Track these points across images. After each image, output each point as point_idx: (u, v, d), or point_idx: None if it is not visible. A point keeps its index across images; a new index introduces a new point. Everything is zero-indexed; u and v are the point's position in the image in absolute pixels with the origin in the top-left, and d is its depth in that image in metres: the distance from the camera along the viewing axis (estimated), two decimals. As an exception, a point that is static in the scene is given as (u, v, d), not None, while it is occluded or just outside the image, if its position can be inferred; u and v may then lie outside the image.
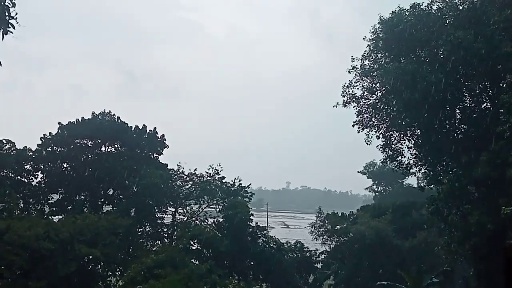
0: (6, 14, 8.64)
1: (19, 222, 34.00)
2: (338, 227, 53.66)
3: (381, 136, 36.43)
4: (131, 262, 35.95)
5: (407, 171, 37.65)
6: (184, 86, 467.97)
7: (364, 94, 36.56)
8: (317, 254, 52.81)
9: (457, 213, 33.13)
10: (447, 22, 32.76)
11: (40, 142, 50.09)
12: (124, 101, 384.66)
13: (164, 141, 53.74)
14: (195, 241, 41.36)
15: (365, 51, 35.98)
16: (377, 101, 36.05)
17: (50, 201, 50.09)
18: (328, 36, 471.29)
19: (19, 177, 48.41)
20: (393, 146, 36.76)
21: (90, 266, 36.72)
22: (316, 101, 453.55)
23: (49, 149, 50.17)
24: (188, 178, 50.38)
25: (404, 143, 36.55)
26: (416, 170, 37.79)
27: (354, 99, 36.61)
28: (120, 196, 51.14)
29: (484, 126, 31.66)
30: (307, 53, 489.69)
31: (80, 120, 51.34)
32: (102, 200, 51.54)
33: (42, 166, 49.78)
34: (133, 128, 52.58)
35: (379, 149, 37.16)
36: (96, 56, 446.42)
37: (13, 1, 8.76)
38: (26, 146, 49.08)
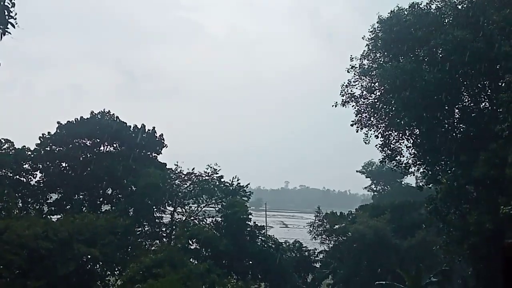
0: (6, 14, 8.63)
1: (18, 222, 33.96)
2: (336, 226, 53.73)
3: (380, 135, 36.50)
4: (129, 261, 35.92)
5: (406, 171, 37.68)
6: (184, 86, 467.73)
7: (363, 94, 36.63)
8: (316, 253, 52.85)
9: (455, 213, 33.16)
10: (446, 21, 32.81)
11: (39, 142, 50.06)
12: (124, 101, 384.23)
13: (163, 141, 53.74)
14: (193, 240, 41.35)
15: (364, 50, 36.07)
16: (376, 100, 36.09)
17: (48, 201, 50.01)
18: (328, 36, 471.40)
19: (17, 177, 48.33)
20: (392, 145, 36.83)
21: (89, 266, 36.69)
22: (316, 100, 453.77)
23: (48, 149, 50.11)
24: (186, 178, 50.36)
25: (403, 142, 36.64)
26: (414, 170, 37.86)
27: (353, 99, 36.68)
28: (119, 196, 51.11)
29: (482, 125, 31.69)
30: (307, 53, 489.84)
31: (79, 119, 51.28)
32: (101, 199, 51.50)
33: (40, 165, 49.72)
34: (131, 128, 52.55)
35: (378, 149, 37.24)
36: (96, 56, 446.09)
37: (13, 1, 8.76)
38: (24, 146, 49.05)
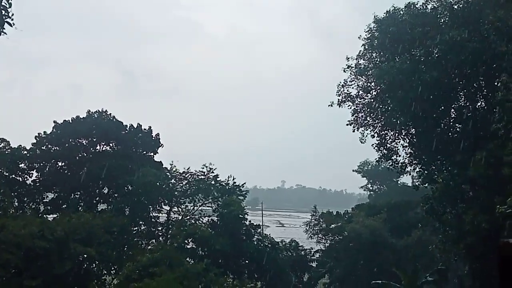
0: (3, 13, 8.62)
1: (14, 221, 33.88)
2: (333, 225, 53.78)
3: (376, 135, 36.60)
4: (126, 260, 35.95)
5: (402, 170, 37.77)
6: (184, 86, 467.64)
7: (359, 93, 36.70)
8: (312, 252, 52.81)
9: (451, 212, 33.28)
10: (442, 21, 32.89)
11: (35, 141, 49.96)
12: (124, 101, 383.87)
13: (159, 140, 53.69)
14: (190, 239, 41.33)
15: (360, 50, 36.16)
16: (372, 100, 36.16)
17: (44, 200, 49.92)
18: (328, 36, 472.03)
19: (13, 176, 48.16)
20: (388, 145, 36.90)
21: (85, 265, 36.65)
22: (315, 100, 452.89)
23: (44, 148, 49.99)
24: (182, 177, 50.31)
25: (399, 142, 36.75)
26: (411, 169, 38.00)
27: (349, 98, 36.74)
28: (115, 195, 50.99)
29: (478, 125, 31.81)
30: (307, 53, 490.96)
31: (75, 118, 51.21)
32: (97, 199, 51.41)
33: (36, 164, 49.60)
34: (128, 127, 52.49)
35: (374, 148, 37.29)
36: (96, 56, 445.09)
37: (10, 1, 8.74)
38: (20, 145, 48.95)
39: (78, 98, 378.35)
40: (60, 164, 51.09)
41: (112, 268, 38.68)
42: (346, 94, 36.69)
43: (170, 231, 46.97)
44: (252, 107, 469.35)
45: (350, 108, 36.82)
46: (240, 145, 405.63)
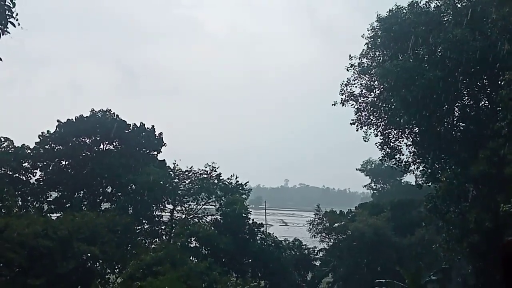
0: (7, 13, 8.64)
1: (18, 220, 33.94)
2: (336, 224, 53.79)
3: (379, 133, 36.52)
4: (129, 259, 35.94)
5: (406, 169, 37.69)
6: (184, 85, 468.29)
7: (363, 92, 36.66)
8: (316, 251, 52.87)
9: (455, 211, 33.18)
10: (445, 20, 32.82)
11: (39, 140, 50.05)
12: (124, 100, 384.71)
13: (162, 139, 53.75)
14: (193, 238, 41.35)
15: (363, 49, 36.08)
16: (375, 99, 36.12)
17: (48, 199, 50.09)
18: (328, 36, 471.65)
19: (17, 175, 48.34)
20: (391, 143, 36.83)
21: (89, 264, 36.72)
22: (316, 100, 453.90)
23: (47, 147, 50.11)
24: (185, 176, 50.35)
25: (403, 140, 36.66)
26: (414, 168, 37.84)
27: (352, 97, 36.70)
28: (118, 194, 51.08)
29: (482, 123, 31.72)
30: (307, 53, 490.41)
31: (78, 117, 51.30)
32: (101, 197, 51.56)
33: (40, 163, 49.72)
34: (131, 126, 52.56)
35: (377, 147, 37.24)
36: (96, 55, 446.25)
37: (14, 1, 8.76)
38: (24, 144, 49.06)
39: (78, 97, 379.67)
40: (63, 163, 51.22)
41: (116, 267, 38.73)
42: (349, 93, 36.65)
43: (173, 230, 47.04)
44: (252, 107, 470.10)
45: (354, 107, 36.80)
46: (240, 145, 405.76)
